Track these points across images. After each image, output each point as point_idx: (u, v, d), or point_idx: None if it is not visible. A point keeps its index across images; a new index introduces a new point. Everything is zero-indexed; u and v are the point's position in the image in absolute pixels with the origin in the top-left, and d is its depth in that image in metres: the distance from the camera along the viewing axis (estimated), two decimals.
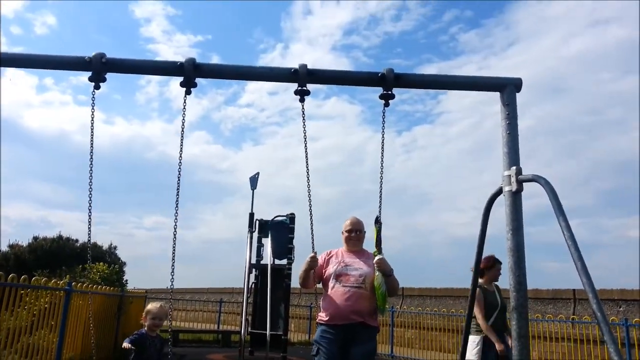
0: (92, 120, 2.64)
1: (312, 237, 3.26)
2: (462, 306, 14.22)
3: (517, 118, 2.44)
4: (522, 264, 2.25)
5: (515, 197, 2.28)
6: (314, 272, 3.58)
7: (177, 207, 2.61)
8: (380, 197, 3.03)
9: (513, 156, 2.36)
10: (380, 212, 3.11)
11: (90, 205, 2.64)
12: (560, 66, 36.72)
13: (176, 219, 2.62)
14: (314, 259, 3.45)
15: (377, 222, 3.23)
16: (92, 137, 2.62)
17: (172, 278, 2.64)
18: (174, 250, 2.62)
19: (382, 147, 2.88)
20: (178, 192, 2.59)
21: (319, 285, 3.77)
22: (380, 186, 2.94)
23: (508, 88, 2.50)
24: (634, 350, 9.10)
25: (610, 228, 32.86)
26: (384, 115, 2.76)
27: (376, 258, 3.36)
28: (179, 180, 2.60)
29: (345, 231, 3.74)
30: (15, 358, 5.54)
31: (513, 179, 2.27)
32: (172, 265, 2.62)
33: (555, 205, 1.93)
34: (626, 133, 32.10)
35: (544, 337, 10.49)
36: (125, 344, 3.84)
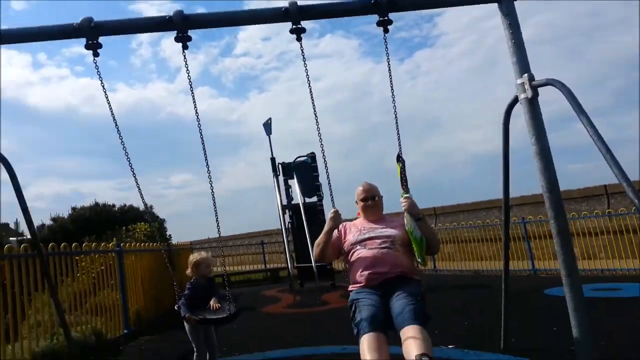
0: (104, 88, 2.67)
1: (330, 188, 3.09)
2: (495, 216, 14.37)
3: (519, 26, 2.37)
4: (551, 165, 2.27)
5: (533, 103, 2.27)
6: (333, 244, 3.22)
7: (206, 159, 2.69)
8: (398, 132, 2.80)
9: (522, 64, 2.31)
10: (400, 148, 2.88)
11: (131, 165, 2.75)
12: None
13: (208, 170, 2.71)
14: (337, 215, 3.13)
15: (400, 159, 2.97)
16: (109, 104, 2.68)
17: (218, 224, 2.78)
18: (214, 198, 2.74)
19: (391, 80, 2.73)
20: (204, 145, 2.66)
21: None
22: (396, 121, 2.77)
23: None
24: None
25: (629, 123, 31.78)
26: (385, 42, 2.63)
27: (402, 197, 3.07)
28: (201, 135, 2.66)
29: (360, 200, 3.34)
30: (87, 317, 6.01)
31: (527, 86, 2.24)
32: (215, 211, 2.74)
33: (575, 105, 1.91)
34: (628, 31, 30.27)
35: (582, 234, 10.58)
36: (189, 316, 3.72)
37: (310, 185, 11.47)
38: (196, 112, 2.66)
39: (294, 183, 11.56)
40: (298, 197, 11.29)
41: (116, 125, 2.68)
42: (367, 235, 3.14)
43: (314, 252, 3.28)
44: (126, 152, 2.73)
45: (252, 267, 18.06)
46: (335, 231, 3.24)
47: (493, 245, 12.14)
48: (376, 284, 2.95)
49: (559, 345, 4.27)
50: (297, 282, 11.02)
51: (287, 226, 11.27)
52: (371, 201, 3.31)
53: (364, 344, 2.47)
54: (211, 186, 2.76)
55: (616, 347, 4.09)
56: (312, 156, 11.63)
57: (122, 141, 2.71)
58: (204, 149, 2.68)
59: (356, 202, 3.39)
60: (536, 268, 10.84)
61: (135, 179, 2.75)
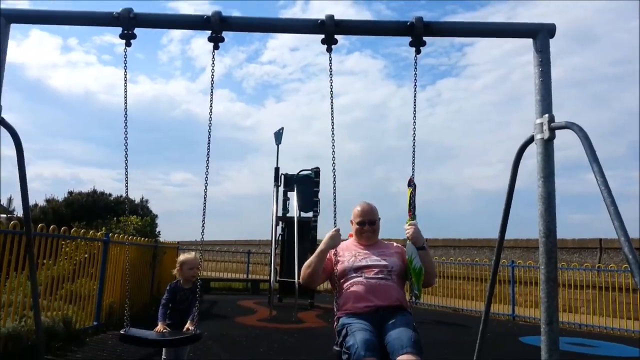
0: (125, 77, 2.71)
1: (335, 205, 2.78)
2: (485, 256, 14.35)
3: (550, 65, 2.39)
4: (552, 211, 2.27)
5: (548, 145, 2.27)
6: (325, 267, 2.94)
7: (208, 156, 2.68)
8: (414, 156, 2.70)
9: (545, 104, 2.32)
10: (413, 173, 2.78)
11: (126, 158, 2.74)
12: (588, 15, 34.92)
13: (207, 166, 2.69)
14: (338, 235, 2.85)
15: (411, 184, 2.86)
16: (125, 93, 2.69)
17: (203, 224, 2.76)
18: (205, 195, 2.72)
19: (415, 100, 2.67)
20: (209, 145, 2.65)
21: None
22: (414, 146, 2.66)
23: (541, 34, 2.44)
24: None
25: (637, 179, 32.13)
26: (415, 63, 2.65)
27: (407, 224, 2.87)
28: (209, 133, 2.66)
29: (356, 223, 3.06)
30: (60, 304, 5.90)
31: (545, 127, 2.25)
32: (204, 211, 2.72)
33: (589, 151, 1.92)
34: None
35: (569, 285, 10.59)
36: (160, 326, 3.60)
37: (309, 200, 11.44)
38: (210, 111, 2.66)
39: (293, 196, 11.53)
40: (294, 211, 11.26)
41: (125, 113, 2.68)
42: (363, 263, 2.91)
43: (302, 274, 2.95)
44: (126, 139, 2.73)
45: (235, 276, 17.89)
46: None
47: (477, 285, 12.11)
48: (370, 314, 2.73)
49: None
50: (276, 296, 10.91)
51: (277, 238, 11.20)
52: (369, 226, 3.03)
53: None
54: (205, 188, 2.72)
55: None
56: (316, 171, 11.63)
57: (125, 127, 2.71)
58: (208, 148, 2.66)
59: (351, 221, 3.12)
60: (516, 314, 10.80)
61: (126, 168, 2.75)
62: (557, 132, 2.24)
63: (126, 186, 2.89)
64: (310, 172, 11.78)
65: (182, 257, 4.02)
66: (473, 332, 6.17)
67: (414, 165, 2.72)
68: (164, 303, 3.79)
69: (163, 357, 3.84)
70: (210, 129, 2.70)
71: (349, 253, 2.98)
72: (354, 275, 2.87)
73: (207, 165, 2.69)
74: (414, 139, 2.65)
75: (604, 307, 9.74)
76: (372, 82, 49.01)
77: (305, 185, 11.60)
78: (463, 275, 12.64)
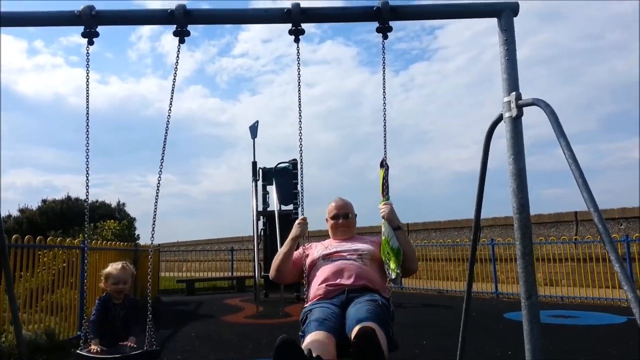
0: (87, 77, 2.66)
1: (302, 191, 2.80)
2: (466, 236, 14.56)
3: (515, 43, 2.43)
4: (524, 187, 2.31)
5: (516, 123, 2.31)
6: (294, 261, 2.85)
7: (163, 154, 2.64)
8: (385, 138, 2.73)
9: (512, 82, 2.36)
10: (385, 154, 2.77)
11: (88, 157, 2.70)
12: None
13: (161, 164, 2.66)
14: (304, 222, 2.79)
15: (383, 165, 2.83)
16: (87, 93, 2.65)
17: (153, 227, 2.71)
18: (157, 197, 2.68)
19: (384, 85, 2.74)
20: (165, 143, 2.62)
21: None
22: (384, 126, 2.73)
23: (505, 13, 2.48)
24: (635, 264, 9.43)
25: (611, 151, 32.99)
26: (383, 48, 2.68)
27: (382, 204, 2.82)
28: (166, 129, 2.63)
29: (330, 218, 2.98)
30: (41, 316, 5.79)
31: (513, 105, 2.29)
32: (154, 213, 2.68)
33: (556, 126, 1.95)
34: (626, 57, 31.48)
35: (548, 259, 10.83)
36: (93, 345, 2.95)
37: (289, 192, 11.41)
38: (169, 108, 2.63)
39: (273, 189, 11.48)
40: (274, 205, 11.22)
41: (87, 113, 2.65)
42: (333, 250, 2.81)
43: (271, 268, 2.87)
44: (87, 142, 2.72)
45: (219, 275, 17.81)
46: (297, 251, 2.92)
47: (460, 266, 12.29)
48: (335, 295, 2.57)
49: None
50: (262, 292, 10.89)
51: (259, 233, 11.15)
52: (343, 219, 2.95)
53: (306, 342, 2.15)
54: (158, 186, 2.71)
55: None
56: (293, 163, 11.57)
57: (87, 129, 2.70)
58: (164, 146, 2.65)
59: (326, 219, 3.04)
60: (499, 291, 11.00)
61: (87, 170, 2.75)
62: (527, 110, 2.27)
63: (87, 188, 2.84)
64: (288, 164, 11.74)
65: (107, 268, 3.33)
66: (457, 312, 6.27)
67: (385, 147, 2.75)
68: (92, 319, 3.16)
69: None
70: (168, 122, 2.68)
71: (322, 246, 2.91)
72: (322, 262, 2.77)
73: (162, 164, 2.67)
74: (384, 121, 2.70)
75: (583, 278, 9.99)
76: (346, 70, 49.05)
77: (284, 178, 11.56)
78: (445, 256, 12.81)
